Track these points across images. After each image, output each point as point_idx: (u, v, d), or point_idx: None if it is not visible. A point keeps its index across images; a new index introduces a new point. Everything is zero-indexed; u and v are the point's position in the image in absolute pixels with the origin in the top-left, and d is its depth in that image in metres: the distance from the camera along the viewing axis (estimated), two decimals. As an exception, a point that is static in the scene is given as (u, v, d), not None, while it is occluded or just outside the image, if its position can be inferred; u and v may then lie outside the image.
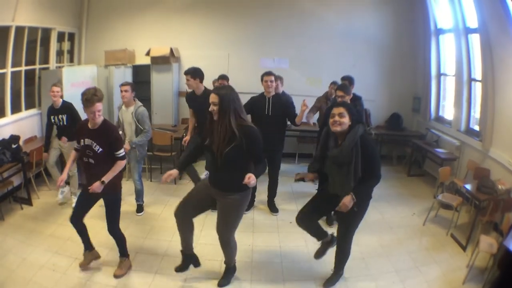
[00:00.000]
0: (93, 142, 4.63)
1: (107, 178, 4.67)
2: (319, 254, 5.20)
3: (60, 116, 7.09)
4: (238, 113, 4.21)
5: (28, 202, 7.25)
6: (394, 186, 8.70)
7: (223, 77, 7.65)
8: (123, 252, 5.24)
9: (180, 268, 5.06)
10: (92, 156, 4.67)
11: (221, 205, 4.55)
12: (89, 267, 5.24)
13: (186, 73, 6.84)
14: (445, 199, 6.64)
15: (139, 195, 7.15)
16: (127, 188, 7.17)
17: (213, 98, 4.13)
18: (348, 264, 5.18)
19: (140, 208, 7.17)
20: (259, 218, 7.00)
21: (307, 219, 4.92)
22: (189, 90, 7.24)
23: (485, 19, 6.99)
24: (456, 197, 6.76)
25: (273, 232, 6.48)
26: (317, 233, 5.05)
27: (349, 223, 4.67)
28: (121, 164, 4.82)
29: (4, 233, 6.18)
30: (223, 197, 4.45)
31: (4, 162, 6.78)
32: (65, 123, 7.09)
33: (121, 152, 4.79)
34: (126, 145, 6.43)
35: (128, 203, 7.13)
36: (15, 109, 8.03)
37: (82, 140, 4.67)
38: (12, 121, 7.71)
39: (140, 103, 6.78)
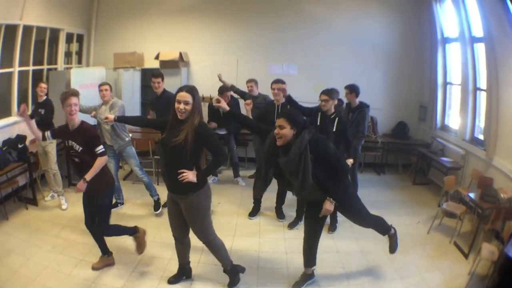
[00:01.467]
0: (73, 142, 4.79)
1: (89, 176, 4.77)
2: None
3: (39, 110, 7.28)
4: (201, 114, 4.27)
5: (33, 202, 7.27)
6: (400, 194, 8.68)
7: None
8: (103, 249, 5.36)
9: (174, 280, 5.12)
10: (76, 155, 4.83)
11: (186, 209, 4.49)
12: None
13: (158, 75, 7.43)
14: (449, 208, 6.65)
15: (149, 188, 7.20)
16: (131, 190, 7.24)
17: (185, 96, 4.09)
18: (352, 270, 5.40)
19: (157, 205, 7.24)
20: (265, 224, 7.00)
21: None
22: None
23: (490, 28, 7.00)
24: (460, 206, 6.75)
25: (279, 238, 6.46)
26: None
27: (354, 213, 4.94)
28: (101, 160, 4.88)
29: (7, 233, 6.21)
30: (186, 199, 4.39)
31: (10, 161, 6.82)
32: (43, 116, 7.23)
33: (100, 148, 4.87)
34: (110, 116, 6.17)
35: (133, 206, 7.25)
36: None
37: (66, 142, 4.85)
38: (19, 121, 7.70)
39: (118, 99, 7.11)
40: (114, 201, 6.71)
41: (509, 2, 6.12)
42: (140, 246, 5.38)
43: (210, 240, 4.73)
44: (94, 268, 5.25)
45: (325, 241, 6.24)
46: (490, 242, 5.63)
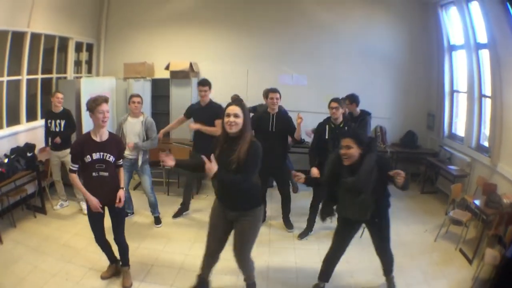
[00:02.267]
0: (105, 154, 4.66)
1: (122, 183, 4.86)
2: None
3: (58, 121, 7.28)
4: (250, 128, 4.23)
5: (42, 210, 7.32)
6: (408, 203, 8.62)
7: (275, 91, 7.14)
8: (127, 260, 5.27)
9: None
10: (105, 168, 4.69)
11: (241, 226, 4.41)
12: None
13: (205, 84, 6.98)
14: (455, 216, 6.66)
15: (154, 207, 7.21)
16: (141, 200, 7.28)
17: (235, 109, 4.06)
18: (361, 279, 5.40)
19: (158, 220, 7.24)
20: (274, 234, 6.98)
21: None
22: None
23: (494, 34, 7.03)
24: (466, 213, 6.77)
25: (289, 248, 6.44)
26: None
27: (384, 235, 4.85)
28: (122, 170, 4.99)
29: (15, 240, 6.23)
30: (243, 217, 4.35)
31: (18, 169, 6.86)
32: (61, 129, 7.29)
33: (122, 161, 4.96)
34: (130, 144, 6.58)
35: (143, 215, 7.31)
36: (31, 117, 8.12)
37: (89, 156, 4.60)
38: (27, 129, 7.83)
39: (147, 114, 7.02)
40: None
41: (510, 8, 6.13)
42: (129, 279, 5.22)
43: (248, 257, 4.69)
44: (103, 278, 5.24)
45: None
46: (494, 248, 5.63)
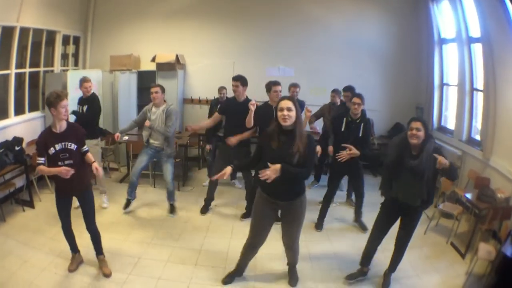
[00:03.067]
0: (66, 143, 4.75)
1: (94, 159, 5.03)
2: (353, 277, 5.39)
3: (83, 107, 7.29)
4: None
5: (30, 204, 7.25)
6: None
7: (278, 83, 7.18)
8: (101, 249, 5.38)
9: (228, 280, 5.20)
10: (69, 157, 4.78)
11: (291, 214, 4.64)
12: (92, 271, 5.28)
13: (236, 79, 6.95)
14: (446, 209, 6.69)
15: (171, 195, 7.33)
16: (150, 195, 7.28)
17: (287, 103, 4.24)
18: (350, 272, 5.39)
19: (173, 208, 7.36)
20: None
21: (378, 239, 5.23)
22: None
23: (488, 29, 7.02)
24: (457, 206, 6.80)
25: (278, 239, 6.39)
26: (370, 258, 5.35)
27: (411, 228, 4.99)
28: (90, 154, 5.07)
29: (5, 234, 6.20)
30: (292, 205, 4.55)
31: (7, 163, 6.81)
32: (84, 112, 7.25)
33: (86, 147, 5.00)
34: (147, 122, 6.84)
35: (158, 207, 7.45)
36: (19, 111, 8.06)
37: (52, 148, 4.70)
38: (16, 122, 7.75)
39: (171, 103, 7.14)
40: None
41: (508, 2, 6.13)
42: (108, 267, 5.33)
43: (297, 243, 4.96)
44: (71, 270, 5.26)
45: (322, 244, 6.33)
46: (487, 242, 5.65)
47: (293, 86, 7.49)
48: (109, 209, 7.42)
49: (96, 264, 5.38)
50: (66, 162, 4.74)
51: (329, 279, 5.39)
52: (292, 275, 5.24)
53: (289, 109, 4.19)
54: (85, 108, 7.21)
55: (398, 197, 4.76)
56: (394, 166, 4.72)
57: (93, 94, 7.32)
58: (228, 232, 6.70)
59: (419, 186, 4.55)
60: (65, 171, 4.54)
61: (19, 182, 7.46)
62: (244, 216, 7.22)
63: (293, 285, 5.17)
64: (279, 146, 4.28)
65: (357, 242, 6.02)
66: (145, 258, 5.65)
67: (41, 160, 4.69)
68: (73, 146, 4.77)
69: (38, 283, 4.94)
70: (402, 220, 5.02)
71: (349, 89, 7.65)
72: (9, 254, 5.57)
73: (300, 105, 4.82)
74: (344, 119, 6.54)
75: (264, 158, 4.38)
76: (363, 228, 6.94)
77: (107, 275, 5.18)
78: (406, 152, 4.62)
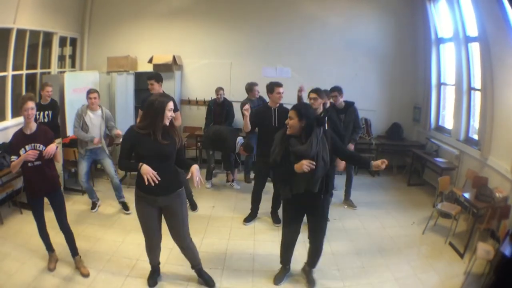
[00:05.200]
0: (36, 144, 4.87)
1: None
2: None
3: (46, 112, 7.53)
4: None
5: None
6: (394, 195, 8.70)
7: (280, 85, 6.84)
8: (77, 249, 5.43)
9: (152, 282, 5.17)
10: (38, 158, 4.85)
11: (173, 208, 4.67)
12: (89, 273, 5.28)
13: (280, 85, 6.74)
14: (444, 208, 6.68)
15: (119, 190, 7.39)
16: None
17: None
18: (348, 272, 5.41)
19: (125, 206, 7.39)
20: (260, 228, 6.97)
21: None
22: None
23: (485, 28, 7.02)
24: (455, 206, 6.79)
25: (275, 241, 6.27)
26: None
27: (321, 223, 4.98)
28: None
29: (3, 237, 6.20)
30: (173, 198, 4.60)
31: (4, 166, 6.80)
32: (50, 120, 7.57)
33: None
34: (96, 140, 6.98)
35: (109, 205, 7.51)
36: (16, 113, 8.03)
37: (23, 149, 4.82)
38: (13, 125, 7.68)
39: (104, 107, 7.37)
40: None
41: (505, 1, 6.13)
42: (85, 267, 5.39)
43: (189, 239, 4.97)
44: (51, 269, 5.31)
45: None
46: (486, 241, 5.65)
47: (279, 86, 6.74)
48: (106, 210, 7.42)
49: (97, 265, 5.42)
50: (35, 162, 4.87)
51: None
52: (207, 278, 5.17)
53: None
54: (49, 113, 7.59)
55: (299, 191, 4.69)
56: (283, 163, 4.64)
57: (53, 100, 7.75)
58: (226, 233, 6.67)
59: (315, 172, 4.45)
60: (32, 152, 4.72)
61: (17, 184, 7.44)
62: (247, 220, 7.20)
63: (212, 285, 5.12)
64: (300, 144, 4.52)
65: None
66: (143, 260, 5.58)
67: (14, 158, 4.80)
68: (41, 147, 4.87)
69: (36, 286, 4.94)
70: (308, 216, 4.99)
71: (335, 89, 7.59)
72: (7, 257, 5.56)
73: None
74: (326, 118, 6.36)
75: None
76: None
77: (86, 275, 5.23)
78: (293, 142, 4.56)
